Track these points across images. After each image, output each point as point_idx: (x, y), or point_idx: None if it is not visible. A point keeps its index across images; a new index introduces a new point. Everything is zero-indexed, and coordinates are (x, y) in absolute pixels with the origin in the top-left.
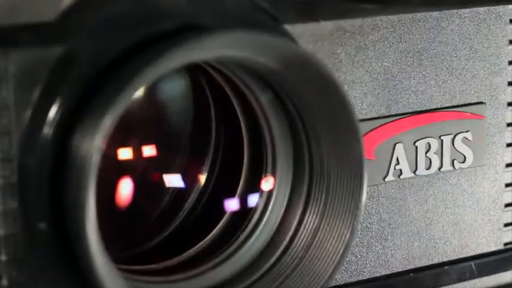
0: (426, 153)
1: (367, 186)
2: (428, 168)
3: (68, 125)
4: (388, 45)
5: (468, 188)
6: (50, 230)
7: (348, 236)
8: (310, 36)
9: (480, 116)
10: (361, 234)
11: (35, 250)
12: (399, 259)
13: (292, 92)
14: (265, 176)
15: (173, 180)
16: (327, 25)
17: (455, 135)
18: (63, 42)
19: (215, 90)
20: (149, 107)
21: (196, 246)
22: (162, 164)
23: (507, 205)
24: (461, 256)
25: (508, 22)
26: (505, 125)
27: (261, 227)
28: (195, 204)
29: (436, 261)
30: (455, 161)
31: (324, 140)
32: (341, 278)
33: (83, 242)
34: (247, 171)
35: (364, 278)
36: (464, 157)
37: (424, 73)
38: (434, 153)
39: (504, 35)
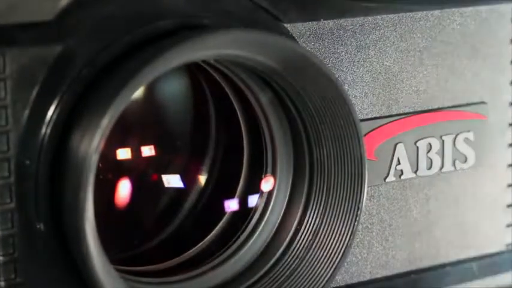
0: (427, 153)
1: (368, 187)
2: (430, 168)
3: (67, 125)
4: (389, 44)
5: (470, 189)
6: (48, 231)
7: (348, 237)
8: (311, 35)
9: (482, 115)
10: (361, 235)
11: (32, 251)
12: (400, 260)
13: (292, 91)
14: (265, 177)
15: (172, 181)
16: (328, 24)
17: (457, 135)
18: (61, 41)
19: (215, 90)
20: (148, 106)
21: (196, 247)
22: (161, 164)
23: (509, 206)
24: (462, 257)
25: (510, 21)
26: (507, 124)
27: (261, 227)
28: (194, 204)
29: (437, 262)
30: (456, 161)
31: (325, 140)
32: (341, 279)
33: (81, 243)
34: (247, 171)
35: (365, 279)
36: (466, 157)
37: (425, 72)
38: (436, 153)
39: (506, 34)
